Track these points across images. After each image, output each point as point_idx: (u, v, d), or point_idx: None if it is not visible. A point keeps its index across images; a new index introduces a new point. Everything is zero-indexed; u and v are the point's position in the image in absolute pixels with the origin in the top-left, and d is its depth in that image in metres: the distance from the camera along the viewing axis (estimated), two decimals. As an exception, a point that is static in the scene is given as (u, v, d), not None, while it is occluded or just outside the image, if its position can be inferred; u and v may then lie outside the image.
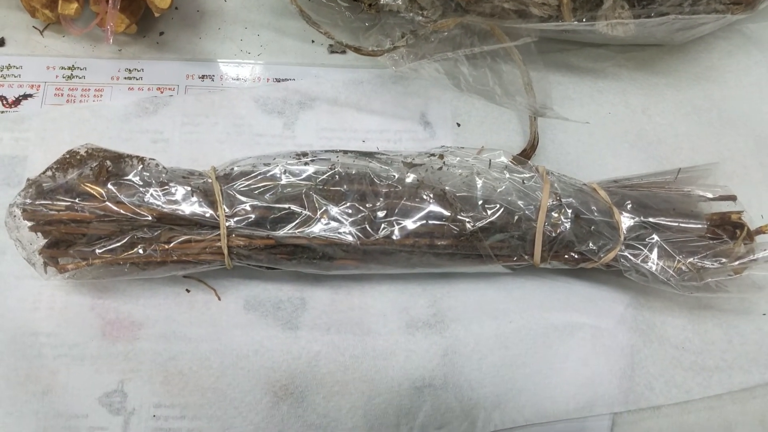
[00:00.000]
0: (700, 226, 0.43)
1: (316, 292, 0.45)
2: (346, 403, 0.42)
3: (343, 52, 0.53)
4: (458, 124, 0.51)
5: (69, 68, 0.52)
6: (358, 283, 0.46)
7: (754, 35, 0.56)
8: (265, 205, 0.41)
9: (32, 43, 0.52)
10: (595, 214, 0.43)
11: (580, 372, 0.44)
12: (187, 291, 0.45)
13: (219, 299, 0.45)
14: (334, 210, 0.42)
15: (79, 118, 0.49)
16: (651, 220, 0.43)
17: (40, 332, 0.43)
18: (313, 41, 0.54)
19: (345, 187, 0.42)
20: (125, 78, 0.52)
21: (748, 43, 0.56)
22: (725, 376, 0.44)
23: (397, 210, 0.42)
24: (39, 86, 0.51)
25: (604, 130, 0.52)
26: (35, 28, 0.53)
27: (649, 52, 0.55)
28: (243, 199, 0.41)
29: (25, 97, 0.50)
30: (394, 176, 0.43)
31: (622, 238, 0.42)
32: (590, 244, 0.42)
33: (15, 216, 0.40)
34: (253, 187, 0.42)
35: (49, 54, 0.52)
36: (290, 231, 0.41)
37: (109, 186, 0.40)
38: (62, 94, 0.51)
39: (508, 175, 0.44)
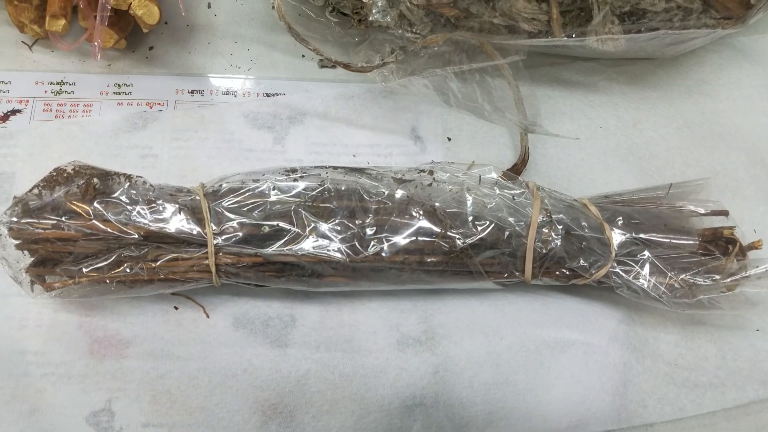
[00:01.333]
0: (691, 242, 0.43)
1: (306, 309, 0.45)
2: (336, 422, 0.42)
3: (334, 66, 0.53)
4: (449, 139, 0.51)
5: (58, 83, 0.51)
6: (349, 300, 0.45)
7: (745, 48, 0.56)
8: (253, 222, 0.41)
9: (21, 59, 0.52)
10: (586, 230, 0.43)
11: (573, 389, 0.43)
12: (176, 308, 0.44)
13: (207, 317, 0.44)
14: (323, 227, 0.41)
15: (67, 133, 0.49)
16: (642, 236, 0.43)
17: (27, 350, 0.43)
18: (303, 56, 0.54)
19: (334, 203, 0.42)
20: (114, 93, 0.51)
21: (740, 57, 0.56)
22: (719, 392, 0.44)
23: (386, 227, 0.42)
24: (27, 101, 0.51)
25: (596, 144, 0.52)
26: (24, 43, 0.52)
27: (640, 65, 0.55)
28: (231, 216, 0.41)
29: (14, 112, 0.50)
30: (384, 192, 0.43)
31: (613, 255, 0.42)
32: (581, 261, 0.42)
33: (1, 234, 0.40)
34: (241, 203, 0.42)
35: (37, 69, 0.52)
36: (279, 248, 0.41)
37: (96, 204, 0.40)
38: (51, 110, 0.50)
39: (498, 191, 0.43)
